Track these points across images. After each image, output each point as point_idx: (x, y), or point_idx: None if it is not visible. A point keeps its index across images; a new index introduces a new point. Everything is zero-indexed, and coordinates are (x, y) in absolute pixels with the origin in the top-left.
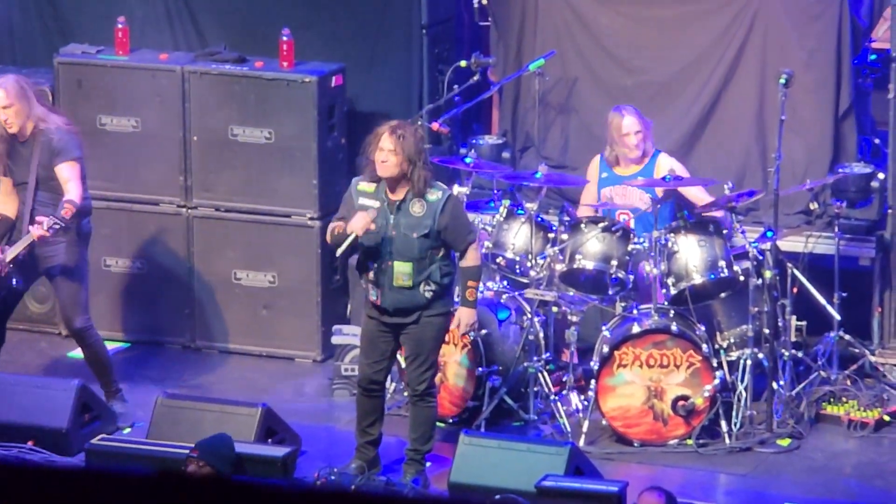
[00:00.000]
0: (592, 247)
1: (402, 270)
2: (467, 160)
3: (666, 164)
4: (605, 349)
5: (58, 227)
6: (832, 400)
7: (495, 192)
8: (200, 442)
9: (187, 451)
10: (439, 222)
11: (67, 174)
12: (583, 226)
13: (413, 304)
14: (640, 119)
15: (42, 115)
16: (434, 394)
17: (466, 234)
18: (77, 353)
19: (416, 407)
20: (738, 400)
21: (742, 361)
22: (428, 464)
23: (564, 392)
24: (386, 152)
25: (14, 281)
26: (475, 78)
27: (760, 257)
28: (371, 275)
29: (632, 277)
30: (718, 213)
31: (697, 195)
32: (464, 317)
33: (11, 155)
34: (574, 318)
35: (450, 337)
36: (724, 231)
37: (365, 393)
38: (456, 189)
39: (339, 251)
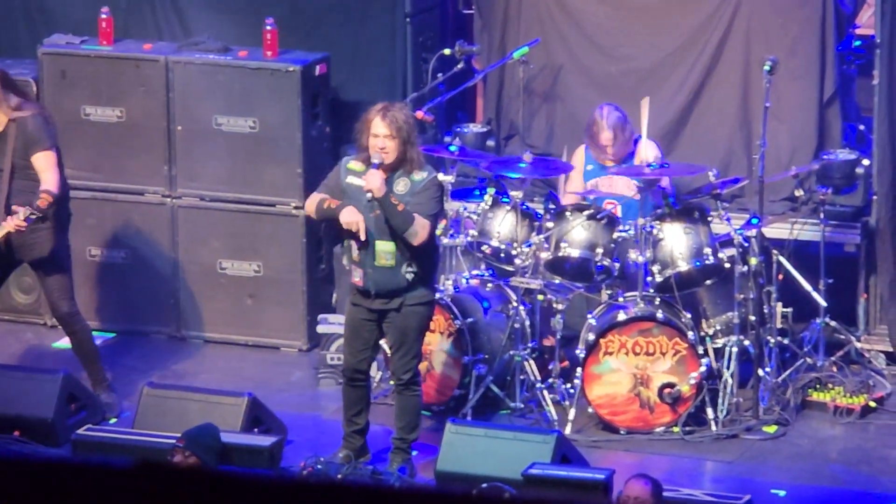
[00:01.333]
0: (578, 235)
1: (384, 249)
2: (452, 148)
3: (649, 151)
4: (591, 337)
5: (34, 217)
6: (818, 386)
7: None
8: (186, 432)
9: (173, 441)
10: (415, 199)
11: (43, 163)
12: (568, 214)
13: (395, 286)
14: (621, 126)
15: (16, 105)
16: (419, 382)
17: (427, 212)
18: (63, 343)
19: (402, 396)
20: (725, 387)
21: (728, 348)
22: (414, 452)
23: (550, 380)
24: (382, 138)
25: None
26: (459, 66)
27: (746, 244)
28: (355, 254)
29: (617, 265)
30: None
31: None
32: (374, 181)
33: None
34: (559, 306)
35: (435, 325)
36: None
37: (349, 382)
38: (441, 177)
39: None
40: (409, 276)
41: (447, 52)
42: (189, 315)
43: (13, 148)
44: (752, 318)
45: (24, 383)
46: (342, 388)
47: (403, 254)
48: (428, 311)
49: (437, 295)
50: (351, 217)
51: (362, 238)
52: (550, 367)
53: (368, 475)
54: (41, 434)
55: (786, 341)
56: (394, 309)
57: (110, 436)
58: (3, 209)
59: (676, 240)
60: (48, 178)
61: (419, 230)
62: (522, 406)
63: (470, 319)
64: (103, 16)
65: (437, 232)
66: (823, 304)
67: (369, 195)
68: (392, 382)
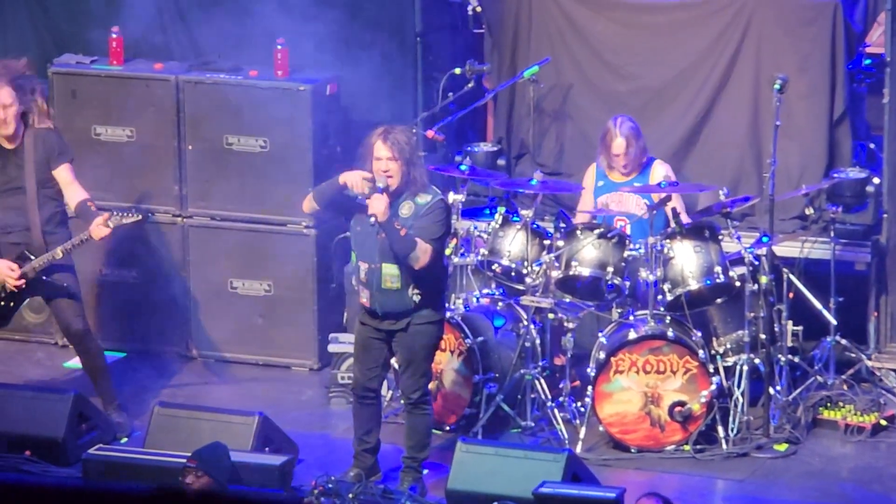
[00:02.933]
0: (588, 253)
1: (389, 272)
2: (462, 167)
3: (660, 172)
4: (602, 355)
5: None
6: (829, 405)
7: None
8: (197, 451)
9: (184, 461)
10: (418, 222)
11: (67, 176)
12: (578, 232)
13: (401, 308)
14: (634, 136)
15: (38, 119)
16: (429, 402)
17: (429, 235)
18: (74, 363)
19: (411, 415)
20: (735, 405)
21: (738, 367)
22: (425, 471)
23: (561, 398)
24: (385, 161)
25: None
26: (470, 85)
27: (756, 263)
28: (362, 275)
29: (628, 284)
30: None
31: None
32: (377, 201)
33: None
34: (570, 325)
35: (446, 344)
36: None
37: (359, 400)
38: (451, 196)
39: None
40: (416, 299)
41: (458, 71)
42: (200, 334)
43: (35, 160)
44: (763, 336)
45: (34, 403)
46: (352, 406)
47: (409, 277)
48: (436, 331)
49: (448, 314)
50: (350, 176)
51: (367, 191)
52: (561, 385)
53: (379, 494)
54: (52, 453)
55: (796, 359)
56: (401, 329)
57: (121, 455)
58: (39, 223)
59: (687, 258)
60: (76, 190)
61: (420, 255)
62: (533, 424)
63: (480, 338)
64: (114, 35)
65: (447, 251)
66: (834, 322)
67: (373, 219)
68: (402, 402)
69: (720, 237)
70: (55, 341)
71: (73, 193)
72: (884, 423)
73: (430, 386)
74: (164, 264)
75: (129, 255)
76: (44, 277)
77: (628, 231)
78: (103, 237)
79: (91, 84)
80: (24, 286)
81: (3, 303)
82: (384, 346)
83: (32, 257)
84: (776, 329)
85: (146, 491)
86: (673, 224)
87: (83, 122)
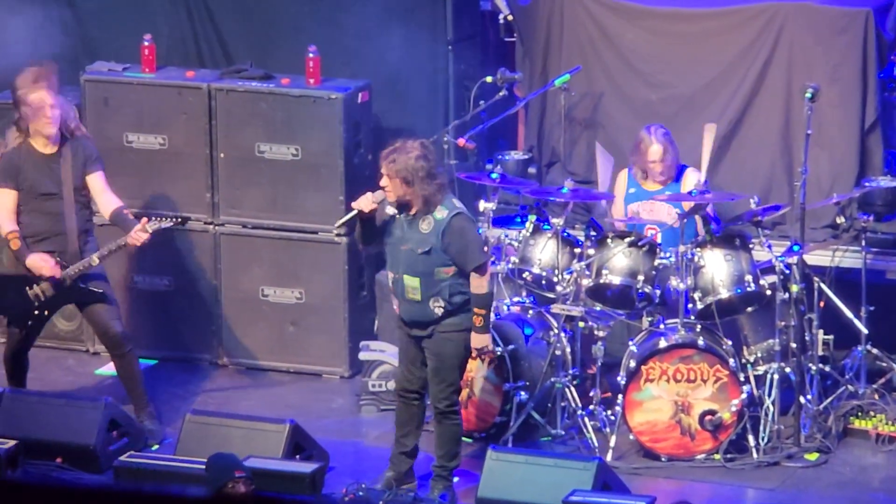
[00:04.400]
0: (619, 262)
1: (410, 284)
2: (493, 176)
3: (693, 179)
4: (632, 364)
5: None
6: (860, 414)
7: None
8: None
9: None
10: (443, 242)
11: (101, 183)
12: (609, 241)
13: (424, 319)
14: (669, 143)
15: (76, 126)
16: (457, 411)
17: (472, 257)
18: (105, 369)
19: (441, 425)
20: (766, 414)
21: (769, 376)
22: (455, 479)
23: (591, 407)
24: (384, 177)
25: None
26: (501, 93)
27: (787, 271)
28: (391, 284)
29: (658, 292)
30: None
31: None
32: (473, 341)
33: (33, 167)
34: (601, 333)
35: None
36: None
37: (399, 399)
38: (482, 205)
39: (339, 222)
40: (438, 311)
41: (489, 79)
42: (231, 342)
43: (73, 167)
44: (794, 345)
45: (66, 410)
46: (395, 406)
47: (430, 289)
48: (464, 340)
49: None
50: (363, 199)
51: (374, 207)
52: (591, 393)
53: (409, 502)
54: (83, 461)
55: (827, 368)
56: (427, 336)
57: (152, 462)
58: (76, 230)
59: (717, 267)
60: (109, 197)
61: (480, 284)
62: (563, 433)
63: (511, 346)
64: (146, 43)
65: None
66: (865, 331)
67: (355, 211)
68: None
69: (751, 246)
70: (86, 348)
71: (107, 201)
72: None
73: (462, 394)
74: (196, 272)
75: (161, 263)
76: (80, 285)
77: (659, 239)
78: (142, 242)
79: (123, 92)
80: (57, 276)
81: (37, 312)
82: (420, 350)
83: (65, 264)
84: (807, 338)
85: (204, 496)
86: (703, 232)
87: (115, 130)
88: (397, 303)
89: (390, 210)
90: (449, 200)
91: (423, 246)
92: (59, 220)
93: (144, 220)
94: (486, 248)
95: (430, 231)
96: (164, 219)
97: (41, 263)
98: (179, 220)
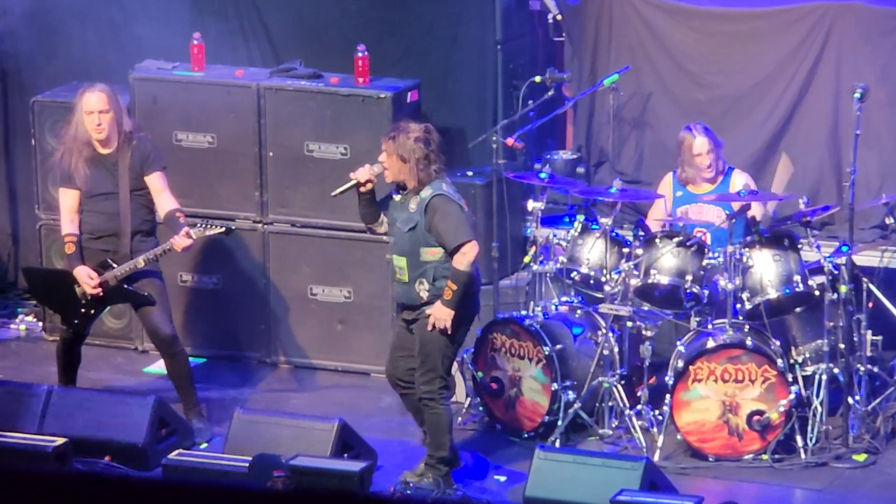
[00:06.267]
0: (667, 262)
1: (398, 264)
2: (542, 175)
3: (740, 181)
4: (680, 364)
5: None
6: None
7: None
8: (269, 461)
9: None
10: (425, 220)
11: (160, 183)
12: (657, 240)
13: (411, 301)
14: (712, 138)
15: (133, 127)
16: (440, 400)
17: (454, 235)
18: (154, 367)
19: (424, 411)
20: (814, 415)
21: (817, 376)
22: (503, 478)
23: (639, 407)
24: (383, 154)
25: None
26: (550, 93)
27: (836, 272)
28: (388, 266)
29: (706, 292)
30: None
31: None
32: (434, 311)
33: (90, 167)
34: (648, 333)
35: (525, 352)
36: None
37: (397, 390)
38: (531, 204)
39: (336, 191)
40: (423, 294)
41: (538, 79)
42: (280, 340)
43: (130, 167)
44: (842, 345)
45: (115, 408)
46: (400, 399)
47: (415, 270)
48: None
49: (527, 321)
50: (361, 170)
51: (373, 179)
52: (639, 393)
53: (458, 500)
54: (132, 459)
55: (875, 369)
56: (414, 320)
57: (201, 461)
58: (130, 230)
59: (766, 267)
60: (167, 198)
61: (461, 261)
62: (611, 433)
63: (559, 346)
64: (195, 42)
65: (526, 259)
66: None
67: (353, 182)
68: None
69: (799, 246)
70: (135, 346)
71: (164, 202)
72: None
73: (509, 393)
74: (245, 271)
75: (211, 262)
76: (125, 286)
77: (708, 241)
78: (186, 248)
79: (172, 90)
80: (101, 294)
81: (84, 310)
82: (411, 336)
83: (115, 265)
84: (855, 338)
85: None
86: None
87: (164, 129)
88: (393, 284)
89: (397, 197)
90: (438, 183)
91: (408, 223)
92: (114, 220)
93: (187, 228)
94: (531, 249)
95: (416, 209)
96: (209, 227)
97: (84, 279)
98: (225, 229)
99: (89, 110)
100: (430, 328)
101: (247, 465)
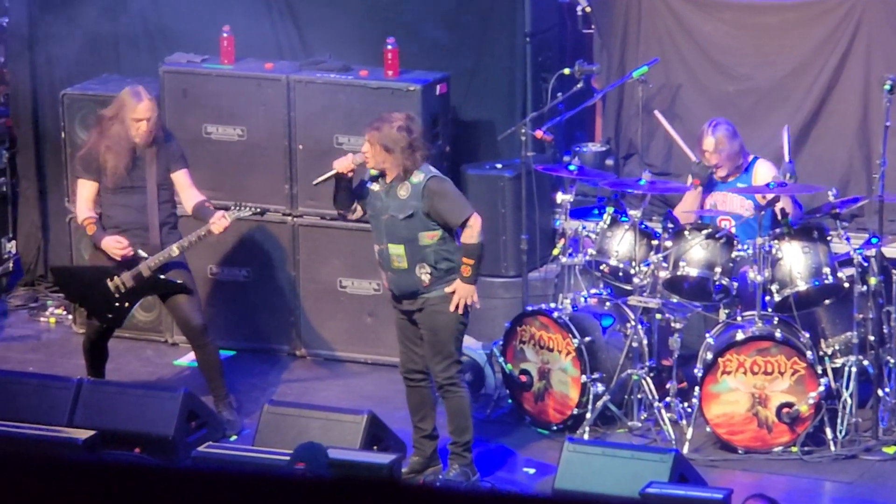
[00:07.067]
0: (696, 254)
1: (395, 252)
2: (571, 168)
3: (763, 170)
4: (709, 356)
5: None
6: None
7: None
8: (298, 449)
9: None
10: (424, 204)
11: (186, 180)
12: (686, 233)
13: (412, 288)
14: (727, 138)
15: (161, 124)
16: (460, 383)
17: (458, 212)
18: (184, 360)
19: (445, 399)
20: (844, 407)
21: (847, 368)
22: (532, 470)
23: (668, 399)
24: (366, 144)
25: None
26: (579, 85)
27: (865, 264)
28: (377, 258)
29: (735, 284)
30: None
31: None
32: (457, 289)
33: (118, 161)
34: (677, 326)
35: (554, 344)
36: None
37: (406, 383)
38: (560, 197)
39: (317, 180)
40: (425, 278)
41: (567, 71)
42: (309, 333)
43: (157, 164)
44: (872, 337)
45: (144, 401)
46: (405, 391)
47: (415, 255)
48: (454, 312)
49: (556, 314)
50: (342, 159)
51: (348, 166)
52: (668, 385)
53: (486, 491)
54: (161, 451)
55: None
56: (418, 309)
57: (230, 453)
58: (157, 223)
59: (795, 259)
60: (193, 193)
61: (471, 234)
62: (640, 425)
63: (588, 338)
64: (224, 34)
65: (555, 251)
66: None
67: (333, 172)
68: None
69: (829, 238)
70: (165, 339)
71: (191, 196)
72: None
73: (538, 386)
74: (274, 263)
75: (240, 254)
76: (160, 276)
77: (733, 231)
78: (223, 229)
79: (202, 83)
80: (130, 255)
81: (118, 304)
82: (415, 327)
83: (146, 255)
84: (885, 331)
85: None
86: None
87: (194, 121)
88: (385, 276)
89: (374, 187)
90: (426, 166)
91: (404, 211)
92: (142, 213)
93: (222, 211)
94: (560, 242)
95: (409, 195)
96: (242, 208)
97: (114, 244)
98: (259, 210)
99: (139, 118)
100: (452, 308)
101: (277, 456)
